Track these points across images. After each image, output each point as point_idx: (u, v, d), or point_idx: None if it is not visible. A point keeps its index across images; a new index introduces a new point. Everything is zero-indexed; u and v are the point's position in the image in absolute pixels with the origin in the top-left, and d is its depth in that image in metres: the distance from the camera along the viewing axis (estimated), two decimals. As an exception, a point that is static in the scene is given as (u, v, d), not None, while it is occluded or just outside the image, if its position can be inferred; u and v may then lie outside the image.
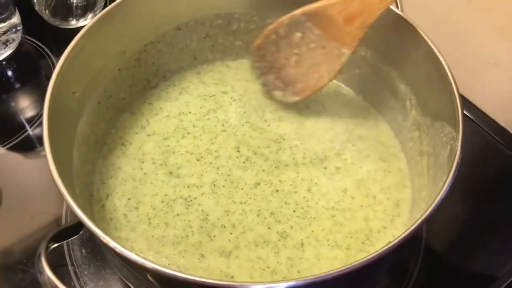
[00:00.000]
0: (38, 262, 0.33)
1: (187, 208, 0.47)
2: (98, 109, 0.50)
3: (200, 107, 0.56)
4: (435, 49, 0.44)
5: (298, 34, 0.50)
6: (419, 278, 0.51)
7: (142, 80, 0.55)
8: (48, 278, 0.32)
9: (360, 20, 0.45)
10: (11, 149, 0.62)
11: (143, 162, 0.51)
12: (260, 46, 0.53)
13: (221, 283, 0.31)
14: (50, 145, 0.37)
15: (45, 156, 0.59)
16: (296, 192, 0.49)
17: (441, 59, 0.43)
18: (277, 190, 0.49)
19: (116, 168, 0.51)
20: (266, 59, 0.54)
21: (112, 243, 0.32)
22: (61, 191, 0.35)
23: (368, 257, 0.33)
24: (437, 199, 0.35)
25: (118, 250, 0.32)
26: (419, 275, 0.51)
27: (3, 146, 0.62)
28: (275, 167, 0.50)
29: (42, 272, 0.33)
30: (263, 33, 0.52)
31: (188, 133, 0.53)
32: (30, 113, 0.65)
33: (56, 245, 0.36)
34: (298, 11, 0.48)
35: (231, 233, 0.46)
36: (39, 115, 0.64)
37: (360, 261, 0.32)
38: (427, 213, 0.35)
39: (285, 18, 0.50)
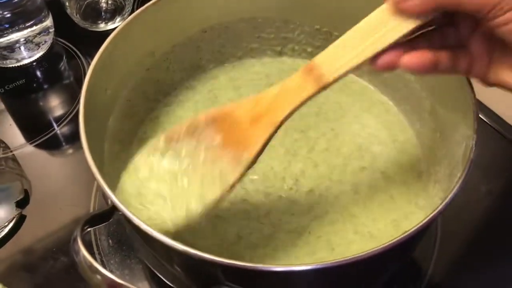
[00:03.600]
0: (74, 243, 0.35)
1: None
2: (128, 106, 0.53)
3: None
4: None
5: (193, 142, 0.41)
6: (433, 277, 0.52)
7: (169, 80, 0.58)
8: (84, 257, 0.34)
9: (268, 118, 0.38)
10: (38, 146, 0.64)
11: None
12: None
13: (246, 264, 0.33)
14: (86, 136, 0.40)
15: (72, 154, 0.64)
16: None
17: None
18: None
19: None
20: None
21: (143, 226, 0.35)
22: (96, 177, 0.37)
23: (380, 247, 0.34)
24: (452, 193, 0.37)
25: (149, 232, 0.34)
26: (433, 274, 0.52)
27: (30, 144, 0.64)
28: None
29: (77, 252, 0.35)
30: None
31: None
32: (58, 112, 0.68)
33: (90, 229, 0.38)
34: (201, 117, 0.40)
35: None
36: (67, 115, 0.67)
37: (370, 251, 0.34)
38: (441, 206, 0.36)
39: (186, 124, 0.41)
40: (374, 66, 0.35)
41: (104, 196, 0.39)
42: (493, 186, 0.58)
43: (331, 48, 0.36)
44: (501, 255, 0.54)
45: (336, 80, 0.35)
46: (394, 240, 0.34)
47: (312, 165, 0.51)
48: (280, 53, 0.62)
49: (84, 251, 0.34)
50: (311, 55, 0.61)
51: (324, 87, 0.36)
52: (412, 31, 0.34)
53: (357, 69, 0.35)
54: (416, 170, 0.52)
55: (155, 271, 0.47)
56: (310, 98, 0.37)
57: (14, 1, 0.66)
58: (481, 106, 0.63)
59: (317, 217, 0.48)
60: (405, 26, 0.33)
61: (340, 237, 0.47)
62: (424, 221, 0.35)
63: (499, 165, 0.61)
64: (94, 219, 0.38)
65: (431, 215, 0.36)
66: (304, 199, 0.49)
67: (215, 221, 0.47)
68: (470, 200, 0.57)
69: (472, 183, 0.39)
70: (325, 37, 0.58)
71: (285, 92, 0.37)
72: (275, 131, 0.38)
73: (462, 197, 0.38)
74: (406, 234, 0.34)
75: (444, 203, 0.36)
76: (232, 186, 0.38)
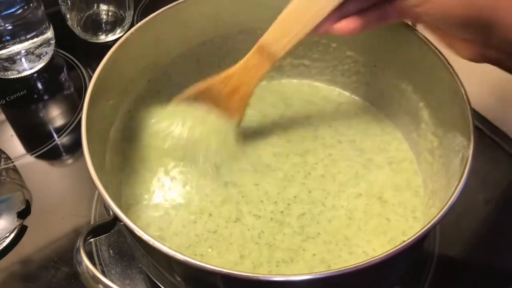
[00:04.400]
0: (77, 254, 0.36)
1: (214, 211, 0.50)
2: (129, 117, 0.53)
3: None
4: (448, 67, 0.46)
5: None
6: (432, 285, 0.52)
7: (169, 92, 0.58)
8: (86, 267, 0.35)
9: (241, 91, 0.49)
10: (39, 157, 0.65)
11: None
12: None
13: (246, 274, 0.33)
14: (88, 146, 0.40)
15: (72, 164, 0.64)
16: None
17: (451, 71, 0.46)
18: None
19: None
20: None
21: (145, 236, 0.35)
22: (98, 189, 0.38)
23: (381, 256, 0.34)
24: (449, 203, 0.37)
25: (151, 243, 0.35)
26: (432, 282, 0.53)
27: (31, 154, 0.65)
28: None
29: (80, 262, 0.35)
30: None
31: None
32: (58, 123, 0.68)
33: (92, 239, 0.38)
34: (184, 96, 0.51)
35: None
36: (67, 126, 0.67)
37: (373, 258, 0.34)
38: (438, 216, 0.37)
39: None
40: (312, 33, 0.43)
41: (106, 206, 0.40)
42: (491, 195, 0.59)
43: (274, 28, 0.44)
44: (499, 263, 0.55)
45: (286, 54, 0.45)
46: (392, 250, 0.34)
47: (306, 191, 0.51)
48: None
49: (87, 261, 0.35)
50: (308, 68, 0.61)
51: (278, 61, 0.46)
52: (339, 2, 0.40)
53: (300, 43, 0.44)
54: (413, 187, 0.52)
55: (156, 281, 0.47)
56: (268, 71, 0.47)
57: (16, 13, 0.67)
58: (477, 116, 0.64)
59: (309, 237, 0.48)
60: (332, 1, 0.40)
61: (335, 256, 0.47)
62: (421, 232, 0.36)
63: (495, 174, 0.61)
64: (96, 230, 0.39)
65: (428, 225, 0.36)
66: (295, 221, 0.49)
67: (217, 244, 0.48)
68: (468, 209, 0.57)
69: (470, 192, 0.40)
70: (324, 48, 0.58)
71: (247, 70, 0.47)
72: (249, 100, 0.50)
73: (460, 206, 0.38)
74: (403, 244, 0.35)
75: (441, 213, 0.37)
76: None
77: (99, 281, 0.34)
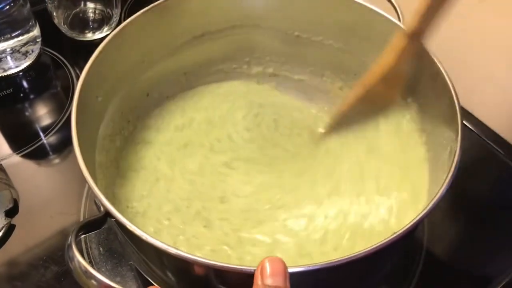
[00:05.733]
0: (69, 250, 0.35)
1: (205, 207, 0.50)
2: (118, 114, 0.53)
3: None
4: (439, 65, 0.47)
5: None
6: (421, 279, 0.53)
7: (158, 89, 0.58)
8: (79, 262, 0.34)
9: (396, 79, 0.50)
10: (26, 156, 0.64)
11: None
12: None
13: (238, 267, 0.34)
14: (78, 142, 0.40)
15: (59, 163, 0.64)
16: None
17: (442, 70, 0.46)
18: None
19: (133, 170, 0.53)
20: None
21: (138, 231, 0.35)
22: (90, 185, 0.38)
23: (367, 249, 0.34)
24: (437, 196, 0.38)
25: (144, 238, 0.35)
26: (420, 277, 0.53)
27: (18, 154, 0.64)
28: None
29: (72, 258, 0.35)
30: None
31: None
32: (45, 122, 0.68)
33: (83, 235, 0.38)
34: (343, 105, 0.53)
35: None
36: (54, 124, 0.67)
37: (358, 253, 0.34)
38: (427, 209, 0.37)
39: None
40: None
41: (96, 203, 0.40)
42: (477, 190, 0.60)
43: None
44: (486, 258, 0.55)
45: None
46: (381, 243, 0.35)
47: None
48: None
49: (79, 257, 0.34)
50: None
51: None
52: None
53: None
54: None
55: (147, 277, 0.47)
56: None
57: (1, 10, 0.66)
58: (464, 112, 0.64)
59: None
60: None
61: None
62: (409, 225, 0.36)
63: (483, 169, 0.62)
64: (88, 226, 0.38)
65: (417, 218, 0.37)
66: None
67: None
68: (456, 203, 0.58)
69: (458, 187, 0.40)
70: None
71: (400, 58, 0.48)
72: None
73: (448, 201, 0.39)
74: (391, 237, 0.35)
75: (429, 207, 0.37)
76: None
77: (91, 276, 0.34)
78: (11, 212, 0.56)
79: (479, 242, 0.56)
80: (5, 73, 0.71)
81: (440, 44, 0.48)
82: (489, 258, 0.55)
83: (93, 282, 0.34)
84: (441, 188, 0.38)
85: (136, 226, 0.35)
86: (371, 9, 0.52)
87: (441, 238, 0.56)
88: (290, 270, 0.33)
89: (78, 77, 0.70)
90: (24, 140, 0.65)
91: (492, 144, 0.64)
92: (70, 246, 0.36)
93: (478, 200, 0.60)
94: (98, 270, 0.50)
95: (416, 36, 0.46)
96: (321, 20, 0.56)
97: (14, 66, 0.71)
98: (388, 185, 0.51)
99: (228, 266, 0.34)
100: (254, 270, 0.33)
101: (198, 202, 0.51)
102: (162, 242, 0.34)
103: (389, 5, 0.54)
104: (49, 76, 0.74)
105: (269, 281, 0.31)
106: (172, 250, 0.34)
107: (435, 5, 0.43)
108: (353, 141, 0.55)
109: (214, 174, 0.54)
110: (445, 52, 0.48)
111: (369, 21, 0.52)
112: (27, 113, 0.70)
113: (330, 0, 0.54)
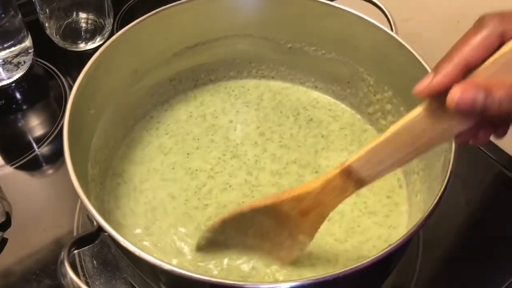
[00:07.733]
0: (61, 266, 0.35)
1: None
2: (110, 126, 0.53)
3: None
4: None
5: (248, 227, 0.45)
6: (417, 285, 0.53)
7: (151, 98, 0.58)
8: (71, 279, 0.34)
9: (315, 212, 0.41)
10: (19, 168, 0.63)
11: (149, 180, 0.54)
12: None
13: (233, 283, 0.33)
14: (70, 155, 0.40)
15: (52, 174, 0.63)
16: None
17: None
18: None
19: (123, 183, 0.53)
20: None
21: (131, 247, 0.35)
22: (82, 199, 0.37)
23: (365, 261, 0.35)
24: (433, 205, 0.38)
25: (137, 254, 0.34)
26: (417, 283, 0.53)
27: (11, 166, 0.63)
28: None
29: (65, 275, 0.35)
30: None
31: (197, 148, 0.57)
32: (38, 133, 0.67)
33: (76, 251, 0.38)
34: (245, 207, 0.44)
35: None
36: (47, 136, 0.66)
37: (359, 264, 0.34)
38: (423, 219, 0.37)
39: (230, 214, 0.45)
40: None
41: (89, 217, 0.39)
42: (472, 196, 0.60)
43: (369, 152, 0.36)
44: (481, 263, 0.55)
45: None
46: (375, 256, 0.35)
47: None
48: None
49: (71, 274, 0.34)
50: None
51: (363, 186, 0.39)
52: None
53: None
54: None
55: (142, 291, 0.46)
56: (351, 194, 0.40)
57: (-8, 22, 0.66)
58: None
59: None
60: (448, 133, 0.33)
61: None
62: (404, 237, 0.36)
63: (476, 176, 0.62)
64: (80, 241, 0.38)
65: (413, 229, 0.37)
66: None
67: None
68: (450, 210, 0.58)
69: (452, 194, 0.40)
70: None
71: (328, 192, 0.40)
72: (323, 222, 0.42)
73: (442, 208, 0.39)
74: (386, 250, 0.35)
75: (422, 219, 0.37)
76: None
77: (84, 293, 0.34)
78: (4, 226, 0.56)
79: (474, 252, 0.56)
80: (-3, 85, 0.71)
81: (429, 49, 0.48)
82: (488, 269, 0.55)
83: (86, 299, 0.33)
84: (435, 201, 0.38)
85: (130, 242, 0.35)
86: (363, 18, 0.52)
87: (436, 243, 0.56)
88: (281, 285, 0.33)
89: (70, 87, 0.70)
90: (17, 151, 0.65)
91: (488, 153, 0.64)
92: (62, 262, 0.35)
93: (470, 205, 0.60)
94: (91, 285, 0.50)
95: (355, 180, 0.38)
96: (313, 30, 0.56)
97: (6, 78, 0.71)
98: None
99: (224, 282, 0.33)
100: (247, 285, 0.32)
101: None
102: (156, 258, 0.34)
103: (382, 15, 0.54)
104: (42, 87, 0.73)
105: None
106: (166, 266, 0.34)
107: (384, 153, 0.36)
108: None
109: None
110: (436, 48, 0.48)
111: (360, 31, 0.52)
112: (19, 124, 0.69)
113: (321, 10, 0.54)
